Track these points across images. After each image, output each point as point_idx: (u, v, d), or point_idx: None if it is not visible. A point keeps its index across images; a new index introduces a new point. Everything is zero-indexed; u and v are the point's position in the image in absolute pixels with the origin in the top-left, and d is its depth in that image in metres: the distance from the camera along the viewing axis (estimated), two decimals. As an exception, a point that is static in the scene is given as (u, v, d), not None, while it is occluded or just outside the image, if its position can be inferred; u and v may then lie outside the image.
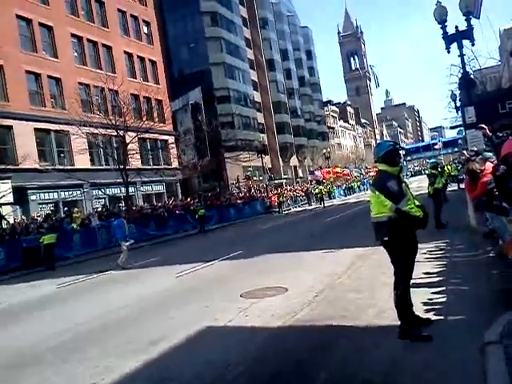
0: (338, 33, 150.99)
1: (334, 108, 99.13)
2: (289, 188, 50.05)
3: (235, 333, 5.88)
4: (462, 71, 18.66)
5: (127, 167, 27.97)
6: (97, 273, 13.73)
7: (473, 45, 18.75)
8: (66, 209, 28.02)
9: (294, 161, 71.10)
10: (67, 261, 19.27)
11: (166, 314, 7.36)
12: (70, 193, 30.13)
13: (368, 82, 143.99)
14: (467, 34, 15.47)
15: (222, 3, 57.00)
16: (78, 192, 30.16)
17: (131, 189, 30.95)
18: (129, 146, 28.22)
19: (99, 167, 31.95)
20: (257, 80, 66.14)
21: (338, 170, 63.68)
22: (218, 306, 7.34)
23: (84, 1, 34.38)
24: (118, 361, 5.39)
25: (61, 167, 29.19)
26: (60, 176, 27.77)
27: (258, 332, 5.75)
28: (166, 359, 5.27)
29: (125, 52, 37.33)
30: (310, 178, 59.98)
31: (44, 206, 28.37)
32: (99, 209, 29.45)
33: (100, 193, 30.58)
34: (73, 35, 32.61)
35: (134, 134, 28.80)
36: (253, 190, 42.41)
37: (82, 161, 30.48)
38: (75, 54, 32.93)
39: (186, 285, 9.87)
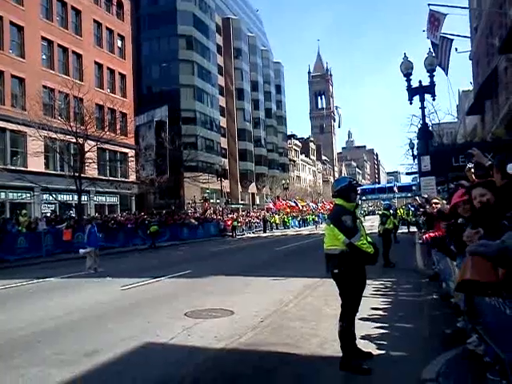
0: (309, 72, 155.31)
1: (297, 142, 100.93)
2: (245, 213, 50.11)
3: (175, 351, 5.71)
4: (421, 122, 19.54)
5: (82, 175, 27.36)
6: (37, 279, 13.16)
7: (434, 99, 19.72)
8: (17, 211, 26.70)
9: (252, 188, 71.58)
10: (5, 263, 18.42)
11: (106, 326, 7.10)
12: (20, 195, 29.10)
13: (332, 121, 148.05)
14: (429, 89, 16.28)
15: (199, 29, 57.84)
16: (28, 195, 29.16)
17: (84, 197, 30.23)
18: (87, 155, 27.68)
19: (53, 172, 31.10)
20: (224, 106, 66.82)
21: (299, 203, 64.29)
22: (161, 322, 7.15)
23: (60, 7, 34.16)
24: (47, 370, 5.11)
25: (13, 167, 28.21)
26: (10, 176, 26.85)
27: (199, 352, 5.61)
28: (98, 373, 5.04)
29: (95, 62, 37.06)
30: (266, 206, 60.41)
31: (-11, 205, 27.24)
32: (48, 214, 28.50)
33: (51, 198, 29.62)
34: (44, 38, 32.15)
35: (93, 143, 28.31)
36: (209, 212, 42.17)
37: (36, 164, 29.57)
38: (44, 56, 32.35)
39: (130, 298, 9.59)
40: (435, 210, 7.67)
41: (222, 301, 8.70)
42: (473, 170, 5.54)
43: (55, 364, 5.32)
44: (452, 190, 7.85)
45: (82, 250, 15.02)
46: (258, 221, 48.17)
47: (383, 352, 5.27)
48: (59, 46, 33.44)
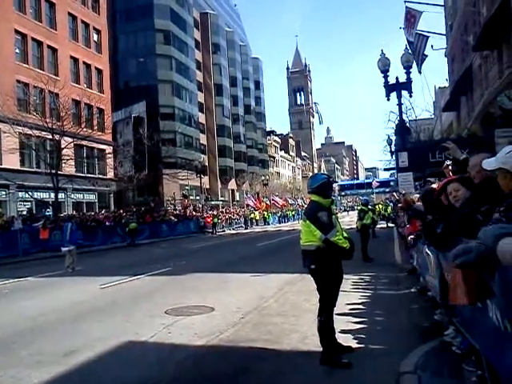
0: (287, 68, 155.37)
1: (276, 138, 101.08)
2: (225, 210, 50.05)
3: (155, 349, 5.68)
4: (399, 119, 19.78)
5: (59, 172, 26.91)
6: (13, 278, 12.92)
7: (410, 96, 20.00)
8: None
9: (232, 184, 71.48)
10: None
11: (85, 325, 7.01)
12: (-6, 192, 28.50)
13: (311, 117, 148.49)
14: (406, 85, 16.49)
15: (177, 23, 57.31)
16: (3, 193, 28.55)
17: (61, 195, 29.75)
18: (63, 151, 27.24)
19: (29, 169, 30.46)
20: (203, 102, 66.47)
21: (277, 199, 64.50)
22: (141, 320, 7.10)
23: (33, -1, 33.32)
24: (25, 371, 5.03)
25: (-13, 165, 27.62)
26: (-16, 174, 26.24)
27: (179, 350, 5.58)
28: (77, 373, 4.97)
29: (71, 57, 36.40)
30: (246, 203, 60.42)
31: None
32: (24, 212, 27.97)
33: (27, 196, 29.05)
34: (17, 32, 31.40)
35: (70, 140, 27.86)
36: (189, 209, 41.99)
37: (11, 161, 28.96)
38: (17, 50, 31.62)
39: (109, 297, 9.49)
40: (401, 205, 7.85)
41: (202, 298, 8.68)
42: (450, 168, 5.65)
43: (32, 365, 5.23)
44: (423, 188, 7.98)
45: (64, 248, 14.71)
46: (238, 217, 48.16)
47: (363, 346, 5.34)
48: (33, 39, 32.72)
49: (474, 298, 2.80)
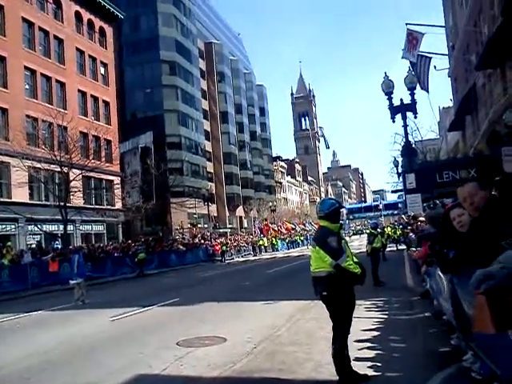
0: (292, 94, 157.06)
1: (282, 164, 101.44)
2: (233, 238, 49.91)
3: (169, 382, 5.62)
4: (404, 140, 19.83)
5: (68, 204, 27.07)
6: (24, 312, 12.87)
7: (415, 117, 20.09)
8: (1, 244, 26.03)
9: (240, 211, 71.46)
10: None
11: (97, 359, 6.94)
12: (4, 226, 28.62)
13: (317, 142, 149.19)
14: (411, 107, 16.59)
15: (182, 54, 58.45)
16: (13, 226, 28.67)
17: (70, 227, 29.84)
18: (72, 183, 27.46)
19: (38, 202, 30.68)
20: (209, 130, 67.16)
21: (288, 225, 64.34)
22: (153, 352, 7.01)
23: (42, 36, 34.25)
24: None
25: (-3, 199, 27.85)
26: (-6, 208, 26.44)
27: (192, 382, 5.51)
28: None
29: (79, 90, 37.05)
30: (254, 230, 60.25)
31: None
32: (33, 245, 28.03)
33: (36, 229, 29.16)
34: (26, 68, 32.10)
35: (78, 172, 28.13)
36: (198, 237, 41.91)
37: (21, 194, 29.23)
38: (26, 86, 32.28)
39: (120, 329, 9.42)
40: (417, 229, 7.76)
41: (213, 328, 8.58)
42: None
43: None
44: (430, 211, 7.93)
45: (72, 281, 14.64)
46: (246, 244, 47.95)
47: (379, 373, 5.22)
48: (42, 74, 33.42)
49: (500, 326, 2.64)
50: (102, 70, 40.81)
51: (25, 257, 22.21)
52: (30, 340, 9.00)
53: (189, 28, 61.82)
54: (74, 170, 27.79)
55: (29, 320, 11.90)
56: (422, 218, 8.40)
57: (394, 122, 16.89)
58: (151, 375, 5.92)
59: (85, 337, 8.83)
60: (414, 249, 10.21)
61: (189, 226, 48.53)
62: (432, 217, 6.38)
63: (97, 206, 35.76)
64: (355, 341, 6.11)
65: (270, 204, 66.29)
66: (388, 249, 25.43)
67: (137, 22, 56.43)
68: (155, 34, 56.25)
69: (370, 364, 5.53)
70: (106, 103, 40.64)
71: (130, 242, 32.59)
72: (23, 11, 32.11)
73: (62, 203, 26.56)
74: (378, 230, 16.26)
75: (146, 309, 11.81)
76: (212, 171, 66.27)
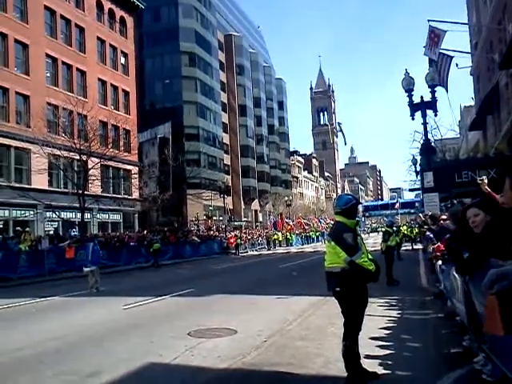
0: (311, 88, 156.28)
1: (299, 158, 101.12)
2: (248, 231, 49.99)
3: (179, 371, 5.66)
4: (424, 138, 19.60)
5: (86, 192, 27.38)
6: (39, 298, 13.10)
7: (435, 115, 19.82)
8: (17, 228, 26.28)
9: (255, 205, 71.54)
10: (9, 282, 18.35)
11: (108, 346, 7.04)
12: (23, 212, 29.07)
13: (335, 137, 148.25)
14: (431, 104, 16.35)
15: (202, 45, 58.46)
16: (31, 212, 29.09)
17: (87, 215, 30.20)
18: (90, 172, 27.75)
19: (57, 189, 31.10)
20: (227, 123, 67.22)
21: (301, 220, 64.05)
22: (164, 342, 7.08)
23: (64, 24, 34.55)
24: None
25: (17, 185, 28.28)
26: (14, 194, 26.84)
27: (202, 372, 5.55)
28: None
29: (99, 79, 37.38)
30: (269, 223, 60.21)
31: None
32: (51, 232, 28.43)
33: (54, 215, 29.57)
34: (48, 56, 32.47)
35: (97, 160, 28.41)
36: (213, 229, 42.07)
37: (40, 181, 29.67)
38: (48, 74, 32.66)
39: (132, 318, 9.53)
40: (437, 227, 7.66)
41: (225, 320, 8.63)
42: (486, 181, 5.48)
43: (58, 385, 5.27)
44: (452, 209, 7.82)
45: (85, 269, 14.87)
46: (260, 238, 48.00)
47: (389, 372, 5.20)
48: (63, 63, 33.78)
49: (510, 329, 2.61)
50: (123, 60, 41.08)
51: (42, 243, 22.49)
52: (44, 325, 9.15)
53: (209, 19, 61.79)
54: (92, 159, 28.09)
55: (44, 305, 12.12)
56: (444, 217, 8.27)
57: (413, 119, 16.70)
58: (161, 364, 5.98)
59: (97, 324, 8.96)
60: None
61: (204, 217, 48.74)
62: (453, 213, 6.29)
63: (114, 195, 36.11)
64: (366, 338, 6.09)
65: (286, 198, 66.19)
66: (403, 248, 25.24)
67: (157, 13, 56.57)
68: (175, 24, 56.37)
69: (380, 362, 5.51)
70: (126, 93, 40.93)
71: (145, 231, 32.89)
72: (45, -1, 32.43)
73: (80, 191, 26.89)
74: (394, 228, 16.09)
75: (159, 298, 11.92)
76: (229, 164, 66.42)
